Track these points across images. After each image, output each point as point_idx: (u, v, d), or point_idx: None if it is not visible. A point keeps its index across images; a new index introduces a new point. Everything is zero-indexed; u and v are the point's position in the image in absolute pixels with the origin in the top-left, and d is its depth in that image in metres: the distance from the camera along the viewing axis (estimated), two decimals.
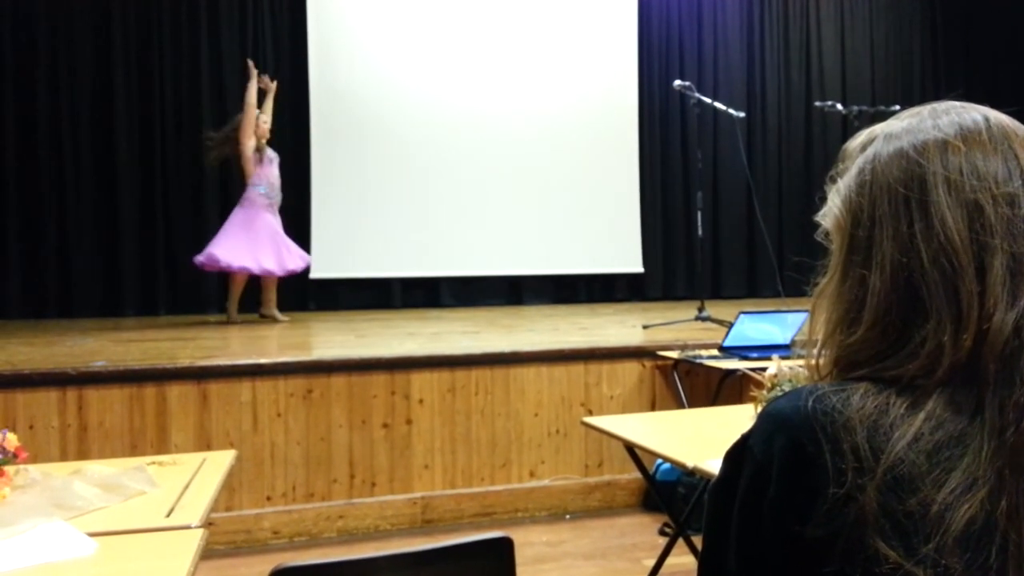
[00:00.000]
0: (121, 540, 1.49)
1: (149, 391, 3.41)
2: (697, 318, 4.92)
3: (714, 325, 4.74)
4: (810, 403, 0.74)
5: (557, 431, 3.92)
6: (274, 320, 5.76)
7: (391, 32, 7.12)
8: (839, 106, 5.36)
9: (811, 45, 8.31)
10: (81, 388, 3.33)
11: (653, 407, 4.01)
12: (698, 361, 3.75)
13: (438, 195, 7.12)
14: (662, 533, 3.56)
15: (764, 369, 2.52)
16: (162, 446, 3.38)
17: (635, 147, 7.66)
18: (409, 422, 3.74)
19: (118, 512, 1.64)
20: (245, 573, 3.25)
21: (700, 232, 5.38)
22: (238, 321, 5.62)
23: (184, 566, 1.34)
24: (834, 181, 0.84)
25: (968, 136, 0.76)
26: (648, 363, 4.05)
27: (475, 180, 7.16)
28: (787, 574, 0.73)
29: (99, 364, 3.44)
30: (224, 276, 5.85)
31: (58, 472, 1.82)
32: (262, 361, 3.62)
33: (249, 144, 5.59)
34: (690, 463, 1.92)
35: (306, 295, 6.92)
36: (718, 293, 7.67)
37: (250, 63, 5.85)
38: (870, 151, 0.80)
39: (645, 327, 4.91)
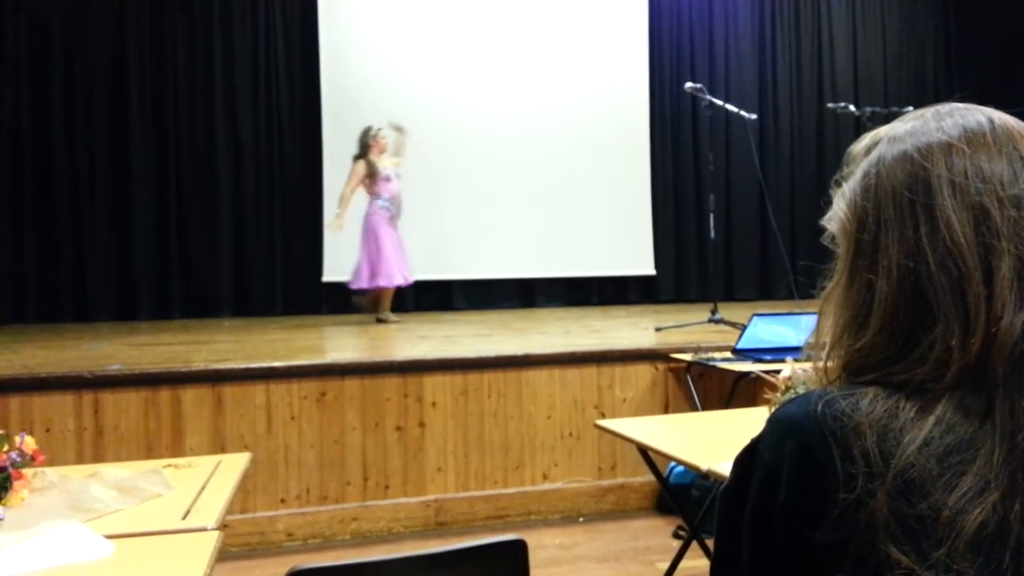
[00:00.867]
0: (138, 542, 1.50)
1: (164, 394, 3.44)
2: (710, 320, 4.91)
3: (727, 327, 4.73)
4: (819, 408, 0.74)
5: (570, 434, 3.92)
6: (387, 322, 6.00)
7: (403, 37, 7.15)
8: (851, 107, 5.32)
9: (823, 46, 8.28)
10: (97, 391, 3.36)
11: (666, 410, 4.00)
12: (711, 364, 3.74)
13: (450, 198, 7.13)
14: (676, 536, 3.56)
15: (778, 372, 2.51)
16: (177, 449, 3.40)
17: (647, 149, 7.66)
18: (422, 425, 3.75)
19: (134, 514, 1.65)
20: (259, 575, 3.27)
21: (712, 235, 5.37)
22: (395, 320, 6.00)
23: (200, 568, 1.35)
24: (839, 185, 0.83)
25: (972, 138, 0.75)
26: (661, 366, 4.05)
27: (487, 183, 7.18)
28: None
29: (115, 368, 3.47)
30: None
31: (75, 475, 1.84)
32: (276, 364, 3.64)
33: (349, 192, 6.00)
34: (704, 466, 1.92)
35: (319, 299, 6.95)
36: (731, 295, 7.65)
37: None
38: (874, 154, 0.80)
39: (658, 329, 4.91)
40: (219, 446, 3.46)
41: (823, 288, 0.83)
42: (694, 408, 3.91)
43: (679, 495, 3.46)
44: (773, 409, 2.28)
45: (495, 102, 7.27)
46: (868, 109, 5.10)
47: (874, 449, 0.70)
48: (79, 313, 6.42)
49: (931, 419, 0.71)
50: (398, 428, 3.72)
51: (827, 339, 0.82)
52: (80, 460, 3.27)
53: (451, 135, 7.15)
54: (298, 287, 6.97)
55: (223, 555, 1.75)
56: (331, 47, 7.03)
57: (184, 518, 1.61)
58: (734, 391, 3.67)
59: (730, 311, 5.34)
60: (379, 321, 6.02)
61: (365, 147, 5.97)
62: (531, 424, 3.88)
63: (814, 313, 0.86)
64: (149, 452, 3.36)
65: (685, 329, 4.81)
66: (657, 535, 3.65)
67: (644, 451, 2.35)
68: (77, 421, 3.33)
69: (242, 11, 6.89)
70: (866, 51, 8.39)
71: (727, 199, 7.76)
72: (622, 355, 4.04)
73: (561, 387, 3.93)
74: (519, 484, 3.84)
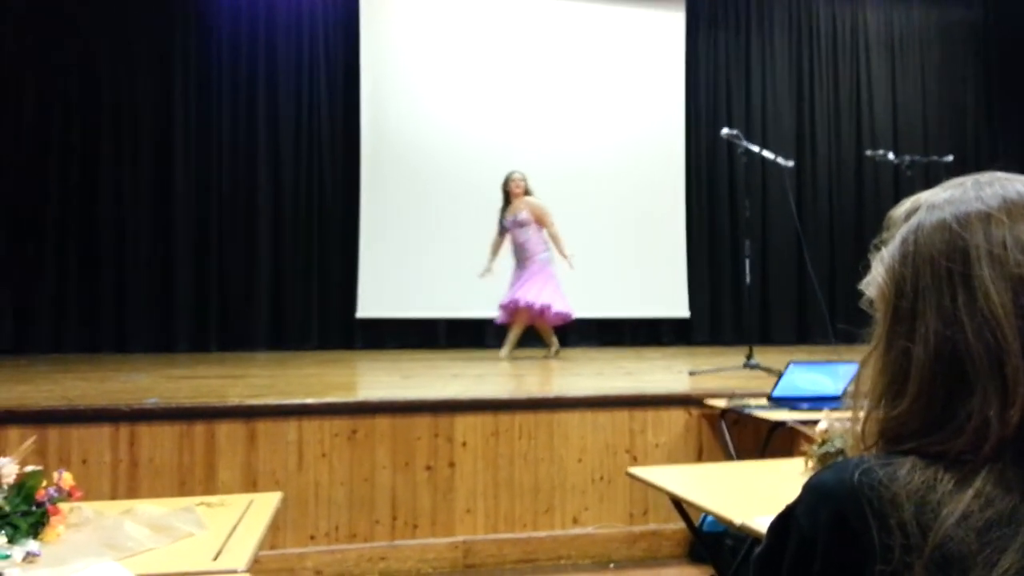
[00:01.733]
0: None
1: (199, 428, 3.47)
2: (745, 365, 4.86)
3: (762, 373, 4.68)
4: (856, 476, 0.73)
5: (601, 478, 3.88)
6: (552, 356, 6.23)
7: (442, 78, 7.27)
8: (890, 155, 5.29)
9: (861, 92, 8.26)
10: (133, 424, 3.40)
11: (700, 456, 3.95)
12: (746, 411, 3.69)
13: (484, 237, 7.17)
14: None
15: (815, 421, 2.48)
16: (210, 483, 3.42)
17: (682, 192, 7.67)
18: (452, 465, 3.74)
19: (167, 553, 1.66)
20: None
21: (748, 279, 5.33)
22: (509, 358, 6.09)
23: None
24: (878, 249, 0.84)
25: (1012, 209, 0.75)
26: (695, 411, 4.01)
27: None
28: None
29: (151, 401, 3.52)
30: None
31: (110, 511, 1.86)
32: (309, 401, 3.66)
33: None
34: (737, 520, 1.88)
35: (353, 334, 7.01)
36: (767, 339, 7.58)
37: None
38: (914, 220, 0.80)
39: (692, 373, 4.86)
40: (251, 482, 3.47)
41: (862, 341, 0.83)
42: (728, 456, 3.85)
43: (713, 544, 3.40)
44: (810, 462, 2.26)
45: (531, 145, 7.34)
46: (907, 157, 5.08)
47: (912, 521, 0.69)
48: (118, 343, 6.54)
49: (970, 492, 0.69)
50: (428, 467, 3.71)
51: (864, 404, 0.81)
52: (115, 492, 3.31)
53: (487, 177, 7.18)
54: (333, 322, 7.04)
55: None
56: (372, 88, 7.17)
57: (215, 559, 1.62)
58: (769, 440, 3.61)
59: (766, 355, 5.28)
60: (547, 357, 6.21)
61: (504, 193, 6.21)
62: (562, 467, 3.85)
63: (851, 362, 0.86)
64: (182, 486, 3.39)
65: (720, 374, 4.76)
66: None
67: (677, 501, 2.32)
68: (113, 453, 3.37)
69: (287, 53, 7.06)
70: (905, 96, 8.35)
71: (764, 242, 7.72)
72: (655, 399, 4.01)
73: (593, 430, 3.90)
74: (549, 527, 3.81)
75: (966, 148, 8.25)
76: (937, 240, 0.76)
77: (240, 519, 1.86)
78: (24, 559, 1.57)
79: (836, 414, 2.40)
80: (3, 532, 1.62)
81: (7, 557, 1.56)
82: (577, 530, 3.83)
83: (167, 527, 1.75)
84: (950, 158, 5.56)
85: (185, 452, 3.45)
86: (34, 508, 1.69)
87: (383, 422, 3.68)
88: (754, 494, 2.14)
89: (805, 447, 2.35)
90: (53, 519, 1.70)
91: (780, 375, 3.75)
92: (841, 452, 2.14)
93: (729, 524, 1.92)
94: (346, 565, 3.58)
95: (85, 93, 6.64)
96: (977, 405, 0.71)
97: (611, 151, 7.44)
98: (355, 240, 7.04)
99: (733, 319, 7.66)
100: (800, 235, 6.78)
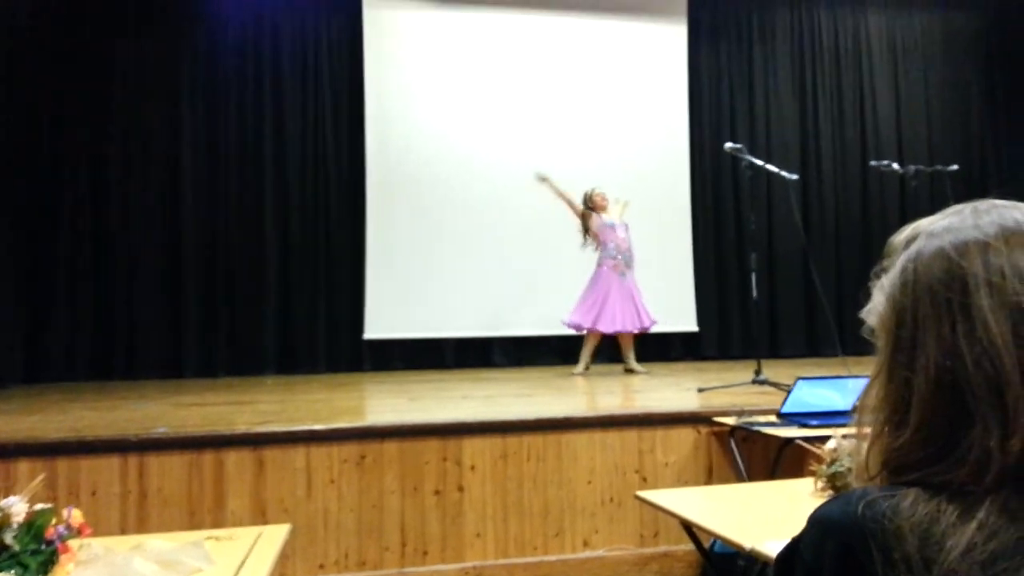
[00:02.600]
0: None
1: (207, 457, 3.47)
2: (754, 381, 4.83)
3: (771, 388, 4.66)
4: (860, 508, 0.73)
5: (611, 499, 3.86)
6: (634, 372, 6.25)
7: (446, 96, 7.31)
8: (895, 165, 5.29)
9: (865, 102, 8.26)
10: (142, 455, 3.40)
11: (710, 475, 3.92)
12: (755, 428, 3.68)
13: (490, 256, 7.20)
14: None
15: (825, 438, 2.46)
16: (218, 514, 3.41)
17: (687, 206, 7.68)
18: (461, 489, 3.72)
19: None
20: None
21: (755, 294, 5.32)
22: (586, 373, 6.18)
23: None
24: (879, 277, 0.83)
25: (1010, 237, 0.75)
26: (703, 429, 3.98)
27: (527, 239, 7.23)
28: None
29: (160, 431, 3.52)
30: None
31: (119, 547, 1.86)
32: (316, 427, 3.66)
33: (585, 221, 6.37)
34: (747, 544, 1.87)
35: (361, 355, 7.01)
36: (776, 352, 7.56)
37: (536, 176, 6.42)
38: (913, 249, 0.80)
39: (700, 390, 4.85)
40: (260, 511, 3.46)
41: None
42: (738, 474, 3.83)
43: (725, 566, 3.37)
44: (819, 483, 2.24)
45: (537, 162, 7.31)
46: (912, 167, 5.07)
47: (916, 555, 0.69)
48: (127, 370, 6.56)
49: (973, 524, 0.69)
50: (437, 492, 3.70)
51: (867, 435, 0.81)
52: (124, 523, 3.30)
53: (492, 195, 7.24)
54: (341, 345, 7.05)
55: None
56: (376, 106, 7.21)
57: None
58: (780, 457, 3.59)
59: (775, 369, 5.26)
60: (627, 372, 6.28)
61: (587, 206, 6.38)
62: (571, 489, 3.83)
63: (860, 376, 0.86)
64: (191, 516, 3.38)
65: (728, 390, 4.74)
66: None
67: (687, 525, 2.30)
68: (122, 485, 3.37)
69: (292, 72, 7.12)
70: (909, 105, 8.35)
71: (770, 257, 7.71)
72: (663, 418, 3.98)
73: (602, 451, 3.88)
74: (559, 551, 3.78)
75: (971, 156, 8.23)
76: (936, 269, 0.76)
77: (248, 553, 1.86)
78: None
79: (844, 430, 2.39)
80: (13, 571, 1.62)
81: None
82: (588, 553, 3.81)
83: (175, 563, 1.75)
84: (955, 167, 5.55)
85: (194, 481, 3.44)
86: (44, 547, 1.69)
87: (391, 447, 3.67)
88: (764, 517, 2.13)
89: (815, 467, 2.34)
90: (63, 557, 1.70)
91: (789, 391, 3.74)
92: (851, 471, 2.13)
93: (739, 549, 1.91)
94: None
95: (96, 130, 6.69)
96: (978, 435, 0.71)
97: (616, 166, 7.44)
98: (361, 261, 7.06)
99: (742, 332, 7.64)
100: (806, 247, 6.77)
